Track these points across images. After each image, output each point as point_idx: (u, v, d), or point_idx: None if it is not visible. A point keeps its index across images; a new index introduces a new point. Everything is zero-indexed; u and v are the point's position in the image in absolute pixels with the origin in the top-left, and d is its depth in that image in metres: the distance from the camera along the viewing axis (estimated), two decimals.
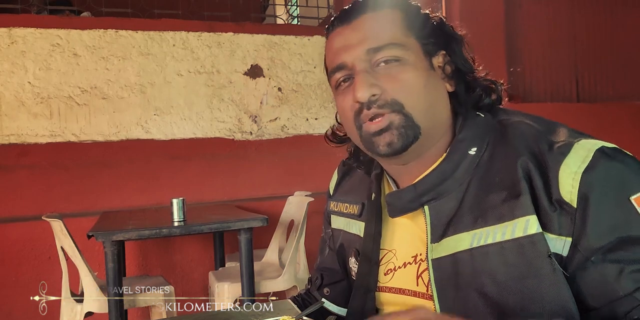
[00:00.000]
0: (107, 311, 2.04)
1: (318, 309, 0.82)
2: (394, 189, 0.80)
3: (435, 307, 0.70)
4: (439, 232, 0.70)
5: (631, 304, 0.60)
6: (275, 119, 3.25)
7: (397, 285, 0.78)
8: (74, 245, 2.11)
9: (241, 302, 2.28)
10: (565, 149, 0.64)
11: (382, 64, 0.70)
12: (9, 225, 2.70)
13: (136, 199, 2.93)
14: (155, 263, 2.94)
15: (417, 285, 0.74)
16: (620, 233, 0.61)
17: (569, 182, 0.62)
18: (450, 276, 0.68)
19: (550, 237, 0.63)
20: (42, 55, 2.80)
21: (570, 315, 0.62)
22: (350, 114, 0.73)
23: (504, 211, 0.65)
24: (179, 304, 2.44)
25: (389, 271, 0.79)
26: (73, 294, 2.19)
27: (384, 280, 0.79)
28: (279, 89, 3.26)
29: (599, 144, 0.64)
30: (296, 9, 5.00)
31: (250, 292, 2.16)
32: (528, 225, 0.63)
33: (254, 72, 3.20)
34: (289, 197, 2.88)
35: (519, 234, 0.63)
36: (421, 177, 0.73)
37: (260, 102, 3.21)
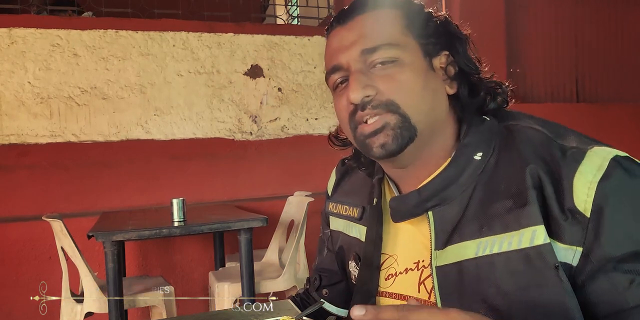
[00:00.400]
0: (107, 311, 2.04)
1: (318, 309, 0.83)
2: (395, 193, 0.79)
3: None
4: (443, 238, 0.69)
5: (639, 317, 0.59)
6: (275, 119, 3.25)
7: (398, 290, 0.77)
8: (74, 245, 2.11)
9: (241, 302, 2.28)
10: (579, 156, 0.62)
11: (379, 65, 0.69)
12: (9, 225, 2.70)
13: (136, 199, 2.93)
14: (155, 263, 2.94)
15: (419, 292, 0.73)
16: (635, 246, 0.59)
17: (584, 191, 0.60)
18: (455, 284, 0.67)
19: (560, 247, 0.61)
20: (42, 55, 2.80)
21: None
22: (345, 115, 0.72)
23: (510, 220, 0.64)
24: (178, 304, 2.45)
25: (390, 276, 0.78)
26: (73, 294, 2.19)
27: (384, 285, 0.79)
28: (279, 89, 3.26)
29: (613, 152, 0.63)
30: (296, 9, 5.00)
31: (250, 292, 2.16)
32: (535, 235, 0.62)
33: (254, 72, 3.20)
34: (289, 197, 2.88)
35: (525, 244, 0.62)
36: (425, 182, 0.71)
37: (260, 102, 3.21)
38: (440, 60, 0.73)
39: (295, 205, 2.75)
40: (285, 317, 0.76)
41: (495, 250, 0.64)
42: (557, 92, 3.86)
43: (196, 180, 3.05)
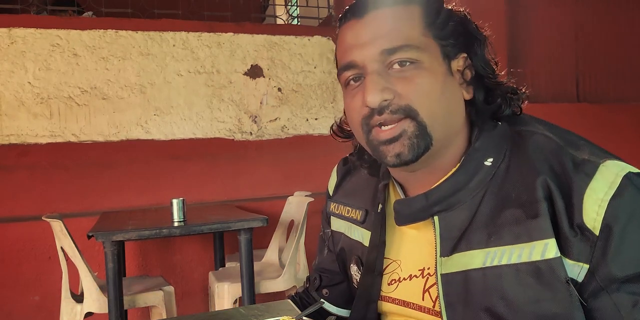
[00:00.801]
0: (107, 311, 2.04)
1: (318, 309, 0.82)
2: (402, 196, 0.77)
3: (442, 316, 0.68)
4: (450, 245, 0.67)
5: None
6: (275, 119, 3.25)
7: (401, 297, 0.76)
8: (74, 245, 2.11)
9: (241, 302, 2.28)
10: (591, 171, 0.61)
11: (396, 65, 0.65)
12: (9, 225, 2.70)
13: (136, 199, 2.93)
14: (155, 263, 2.94)
15: (423, 300, 0.72)
16: None
17: (594, 209, 0.59)
18: (460, 293, 0.66)
19: (568, 262, 0.60)
20: (42, 55, 2.80)
21: None
22: (358, 116, 0.68)
23: (520, 231, 0.62)
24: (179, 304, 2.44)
25: (393, 281, 0.77)
26: (73, 294, 2.19)
27: (387, 290, 0.77)
28: (279, 89, 3.26)
29: (626, 168, 0.61)
30: (296, 9, 5.00)
31: (250, 292, 2.16)
32: (547, 249, 0.60)
33: (254, 72, 3.20)
34: (289, 197, 2.88)
35: (536, 257, 0.61)
36: (434, 186, 0.69)
37: (260, 102, 3.21)
38: (458, 63, 0.69)
39: (295, 205, 2.74)
40: (285, 317, 0.76)
41: (504, 262, 0.63)
42: (558, 92, 3.86)
43: (196, 180, 3.05)
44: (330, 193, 0.93)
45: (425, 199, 0.69)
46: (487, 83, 0.71)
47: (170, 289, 2.28)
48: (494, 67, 0.72)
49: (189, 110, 3.06)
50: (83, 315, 2.12)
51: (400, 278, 0.76)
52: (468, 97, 0.70)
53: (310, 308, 0.80)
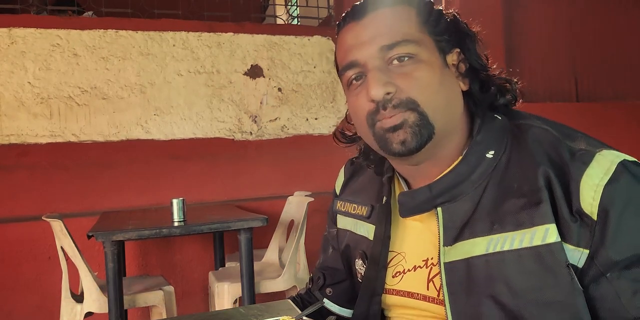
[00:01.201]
0: (107, 311, 2.04)
1: (318, 309, 0.82)
2: (406, 189, 0.79)
3: (446, 312, 0.68)
4: (453, 235, 0.69)
5: None
6: (275, 119, 3.25)
7: (406, 288, 0.77)
8: (74, 245, 2.11)
9: (241, 302, 2.28)
10: (587, 159, 0.63)
11: (396, 61, 0.69)
12: (9, 225, 2.70)
13: (136, 199, 2.93)
14: (155, 263, 2.94)
15: (428, 289, 0.73)
16: (639, 250, 0.60)
17: (590, 194, 0.61)
18: (463, 281, 0.67)
19: (569, 248, 0.62)
20: (42, 55, 2.80)
21: None
22: (363, 113, 0.71)
23: (522, 218, 0.64)
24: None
25: (398, 274, 0.78)
26: (73, 294, 2.19)
27: (391, 282, 0.79)
28: (279, 89, 3.26)
29: (621, 156, 0.63)
30: (296, 9, 5.00)
31: (250, 292, 2.16)
32: (547, 234, 0.62)
33: (254, 72, 3.20)
34: (289, 197, 2.88)
35: (537, 242, 0.62)
36: (437, 178, 0.72)
37: (260, 102, 3.21)
38: (453, 57, 0.73)
39: (295, 205, 2.75)
40: (285, 317, 0.76)
41: (507, 248, 0.64)
42: (555, 91, 3.86)
43: (196, 180, 3.05)
44: (337, 192, 0.95)
45: (429, 191, 0.71)
46: (481, 75, 0.74)
47: (170, 288, 2.28)
48: (486, 60, 0.75)
49: (189, 110, 3.06)
50: (83, 315, 2.13)
51: (404, 270, 0.77)
52: (465, 88, 0.74)
53: (311, 308, 0.80)
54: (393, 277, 0.78)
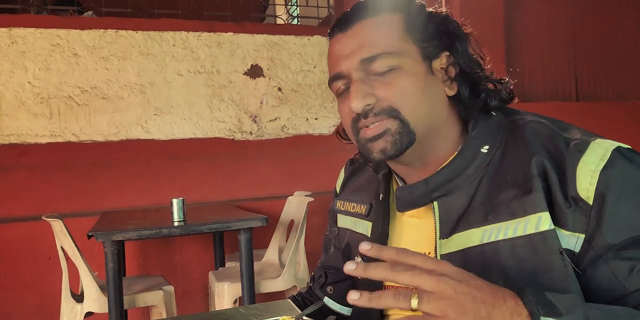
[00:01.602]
0: (107, 311, 2.04)
1: (318, 309, 0.83)
2: (402, 185, 0.80)
3: None
4: (449, 228, 0.71)
5: None
6: (275, 119, 3.25)
7: (404, 284, 0.78)
8: (74, 245, 2.11)
9: (241, 302, 2.28)
10: (582, 147, 0.65)
11: (377, 72, 0.70)
12: (9, 225, 2.70)
13: (136, 199, 2.93)
14: (155, 263, 2.94)
15: None
16: (635, 233, 0.61)
17: (586, 180, 0.62)
18: None
19: (564, 234, 0.63)
20: (42, 55, 2.80)
21: None
22: (348, 120, 0.74)
23: (515, 207, 0.65)
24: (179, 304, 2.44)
25: None
26: (73, 294, 2.19)
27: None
28: (279, 89, 3.26)
29: (615, 144, 0.65)
30: (296, 9, 5.00)
31: (250, 292, 2.16)
32: (540, 222, 0.63)
33: (254, 72, 3.20)
34: (289, 197, 2.88)
35: (530, 230, 0.64)
36: (433, 173, 0.73)
37: (260, 102, 3.21)
38: (441, 61, 0.73)
39: (295, 205, 2.75)
40: (285, 317, 0.76)
41: (501, 237, 0.66)
42: (555, 91, 3.86)
43: (196, 180, 3.05)
44: (338, 191, 0.97)
45: (425, 185, 0.73)
46: (472, 78, 0.74)
47: (170, 288, 2.28)
48: (480, 61, 0.75)
49: (189, 110, 3.06)
50: (83, 315, 2.13)
51: None
52: (451, 93, 0.74)
53: (311, 307, 0.81)
54: None
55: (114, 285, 2.00)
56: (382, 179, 0.84)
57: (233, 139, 3.15)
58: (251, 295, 2.17)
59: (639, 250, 0.61)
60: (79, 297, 2.19)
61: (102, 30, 2.89)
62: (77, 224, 2.51)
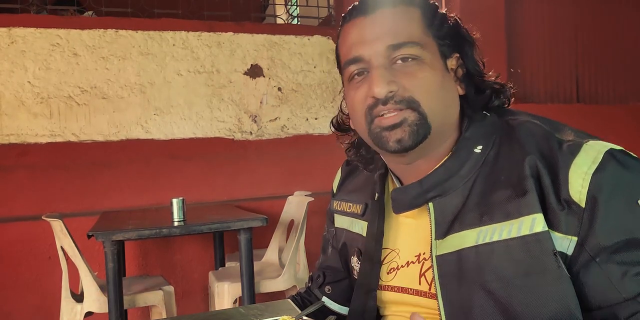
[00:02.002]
0: (107, 311, 2.04)
1: (318, 309, 0.83)
2: (398, 186, 0.80)
3: (438, 304, 0.70)
4: (444, 228, 0.71)
5: (633, 309, 0.60)
6: (275, 118, 3.25)
7: (399, 284, 0.78)
8: (74, 245, 2.11)
9: (241, 302, 2.28)
10: (575, 149, 0.65)
11: (400, 61, 0.70)
12: (9, 225, 2.70)
13: (136, 199, 2.93)
14: (155, 263, 2.94)
15: (420, 284, 0.75)
16: (627, 235, 0.61)
17: (578, 182, 0.62)
18: (454, 272, 0.69)
19: (557, 236, 0.63)
20: (42, 55, 2.80)
21: (572, 313, 0.62)
22: (361, 107, 0.72)
23: (510, 209, 0.66)
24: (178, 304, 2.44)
25: (392, 270, 0.79)
26: (73, 294, 2.19)
27: (386, 279, 0.80)
28: (279, 89, 3.26)
29: (608, 145, 0.65)
30: (296, 8, 5.00)
31: (250, 292, 2.16)
32: (534, 223, 0.63)
33: (254, 71, 3.20)
34: (289, 197, 2.88)
35: (525, 231, 0.64)
36: (427, 174, 0.73)
37: (260, 102, 3.21)
38: (452, 62, 0.75)
39: (295, 205, 2.75)
40: (285, 317, 0.76)
41: (495, 238, 0.66)
42: (556, 93, 3.86)
43: (196, 180, 3.05)
44: (334, 191, 0.97)
45: (420, 186, 0.73)
46: (476, 81, 0.76)
47: (170, 288, 2.28)
48: (482, 66, 0.77)
49: (189, 109, 3.06)
50: (83, 315, 2.13)
51: (398, 266, 0.79)
52: (462, 92, 0.76)
53: (311, 307, 0.81)
54: (387, 273, 0.80)
55: (114, 285, 2.00)
56: (378, 179, 0.84)
57: (233, 139, 3.15)
58: (251, 295, 2.17)
59: (632, 253, 0.61)
60: (78, 297, 2.19)
61: (102, 30, 2.89)
62: (77, 224, 2.51)
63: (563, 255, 0.63)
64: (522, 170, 0.66)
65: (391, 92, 0.69)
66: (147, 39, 2.98)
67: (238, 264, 2.32)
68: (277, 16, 3.88)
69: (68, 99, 2.85)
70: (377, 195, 0.83)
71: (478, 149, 0.72)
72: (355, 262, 0.86)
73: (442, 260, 0.70)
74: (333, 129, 0.90)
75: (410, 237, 0.78)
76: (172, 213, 2.21)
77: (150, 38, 2.98)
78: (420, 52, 0.69)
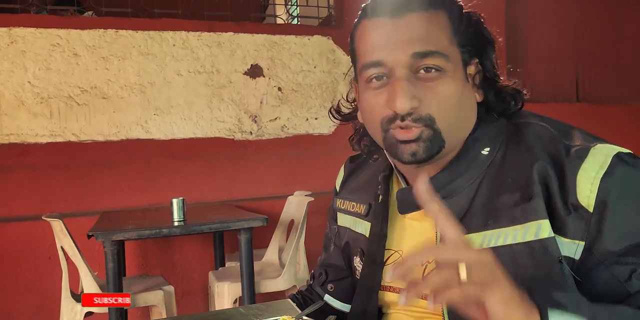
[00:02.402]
0: (107, 311, 2.04)
1: (318, 308, 0.83)
2: (404, 186, 0.80)
3: (442, 308, 0.70)
4: None
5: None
6: (275, 118, 3.24)
7: (402, 285, 0.77)
8: (74, 245, 2.11)
9: (241, 302, 2.28)
10: (583, 153, 0.64)
11: (422, 71, 0.67)
12: (9, 225, 2.70)
13: (136, 199, 2.93)
14: (155, 263, 2.94)
15: None
16: (636, 239, 0.61)
17: (587, 187, 0.62)
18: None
19: (563, 241, 0.63)
20: (42, 55, 2.80)
21: None
22: (379, 116, 0.70)
23: (516, 214, 0.65)
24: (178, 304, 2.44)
25: None
26: (73, 294, 2.19)
27: (389, 280, 0.80)
28: (279, 89, 3.26)
29: (616, 149, 0.64)
30: (296, 8, 4.99)
31: (250, 292, 2.16)
32: (540, 229, 0.63)
33: (254, 71, 3.20)
34: (289, 197, 2.88)
35: (530, 237, 0.64)
36: (434, 174, 0.73)
37: (260, 102, 3.21)
38: (471, 68, 0.72)
39: (295, 205, 2.75)
40: (285, 317, 0.76)
41: (500, 243, 0.66)
42: (557, 92, 3.86)
43: (196, 180, 3.05)
44: (337, 189, 0.96)
45: None
46: (494, 86, 0.74)
47: (170, 288, 2.28)
48: (497, 70, 0.75)
49: (189, 110, 3.05)
50: (83, 315, 2.13)
51: None
52: (480, 99, 0.74)
53: (311, 307, 0.81)
54: None
55: (114, 285, 2.00)
56: (382, 181, 0.83)
57: (233, 139, 3.15)
58: (251, 295, 2.17)
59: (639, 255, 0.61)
60: (79, 297, 2.19)
61: (102, 30, 2.89)
62: (77, 224, 2.51)
63: (570, 260, 0.63)
64: (530, 175, 0.65)
65: (412, 108, 0.67)
66: (147, 39, 2.98)
67: (238, 264, 2.31)
68: (277, 16, 3.88)
69: (68, 99, 2.85)
70: (380, 197, 0.82)
71: (485, 151, 0.71)
72: (357, 263, 0.86)
73: None
74: (334, 117, 0.88)
75: (415, 239, 0.77)
76: (172, 213, 2.21)
77: (150, 38, 2.98)
78: (444, 64, 0.67)
